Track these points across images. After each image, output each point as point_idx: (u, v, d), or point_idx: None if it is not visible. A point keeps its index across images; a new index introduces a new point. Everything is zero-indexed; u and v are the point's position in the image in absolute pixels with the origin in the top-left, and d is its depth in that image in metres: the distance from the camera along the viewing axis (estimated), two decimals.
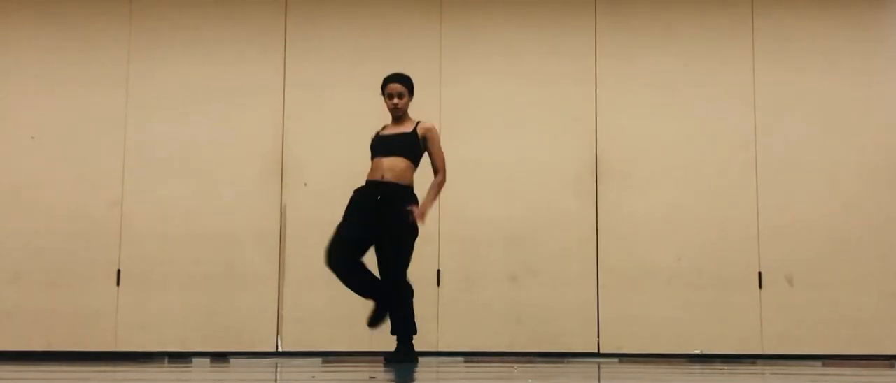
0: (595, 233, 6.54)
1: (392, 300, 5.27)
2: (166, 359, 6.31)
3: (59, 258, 6.50)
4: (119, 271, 6.50)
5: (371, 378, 4.36)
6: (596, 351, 6.45)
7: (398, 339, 5.35)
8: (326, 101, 6.62)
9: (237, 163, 6.60)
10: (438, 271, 6.46)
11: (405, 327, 5.33)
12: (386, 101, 5.45)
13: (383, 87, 5.45)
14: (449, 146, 6.54)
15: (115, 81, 6.66)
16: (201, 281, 6.49)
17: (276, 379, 4.42)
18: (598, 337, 6.48)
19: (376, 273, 5.28)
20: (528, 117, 6.65)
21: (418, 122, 5.44)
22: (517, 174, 6.59)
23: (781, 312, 6.47)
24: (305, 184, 6.56)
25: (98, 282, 6.48)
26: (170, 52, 6.70)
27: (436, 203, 5.43)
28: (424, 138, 5.40)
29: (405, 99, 5.42)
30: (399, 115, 5.44)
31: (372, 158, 5.39)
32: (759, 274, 6.50)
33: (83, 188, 6.56)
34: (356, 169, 5.54)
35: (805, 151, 6.60)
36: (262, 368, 5.30)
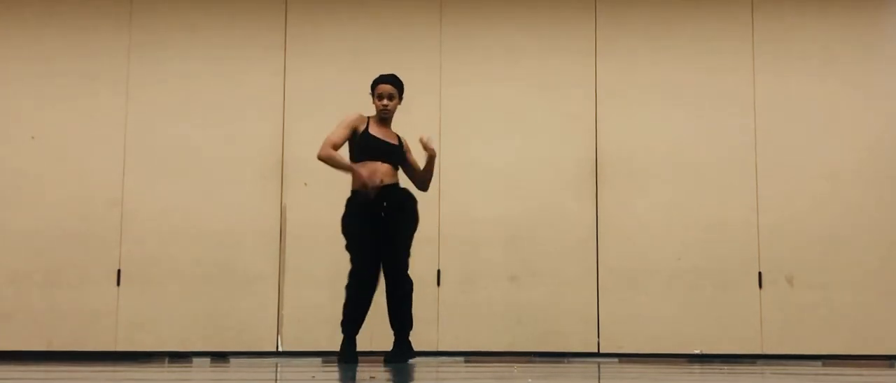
0: (595, 233, 6.54)
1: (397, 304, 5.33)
2: (166, 359, 6.31)
3: (59, 258, 6.50)
4: (119, 271, 6.50)
5: (371, 378, 4.36)
6: (596, 351, 6.45)
7: (396, 335, 5.36)
8: (326, 101, 6.61)
9: (237, 163, 6.60)
10: (438, 271, 6.46)
11: (405, 322, 5.36)
12: (375, 101, 5.41)
13: (374, 86, 5.42)
14: (449, 147, 6.56)
15: (115, 81, 6.66)
16: (201, 280, 6.49)
17: (276, 379, 4.42)
18: (598, 337, 6.48)
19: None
20: (528, 117, 6.65)
21: (400, 138, 5.45)
22: (517, 174, 6.59)
23: (781, 312, 6.47)
24: (305, 184, 6.56)
25: (98, 282, 6.48)
26: (170, 52, 6.70)
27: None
28: (406, 152, 5.46)
29: (395, 101, 5.40)
30: (386, 117, 5.42)
31: (366, 156, 5.33)
32: (759, 274, 6.50)
33: (83, 188, 6.56)
34: None
35: (805, 151, 6.60)
36: (262, 368, 5.30)
